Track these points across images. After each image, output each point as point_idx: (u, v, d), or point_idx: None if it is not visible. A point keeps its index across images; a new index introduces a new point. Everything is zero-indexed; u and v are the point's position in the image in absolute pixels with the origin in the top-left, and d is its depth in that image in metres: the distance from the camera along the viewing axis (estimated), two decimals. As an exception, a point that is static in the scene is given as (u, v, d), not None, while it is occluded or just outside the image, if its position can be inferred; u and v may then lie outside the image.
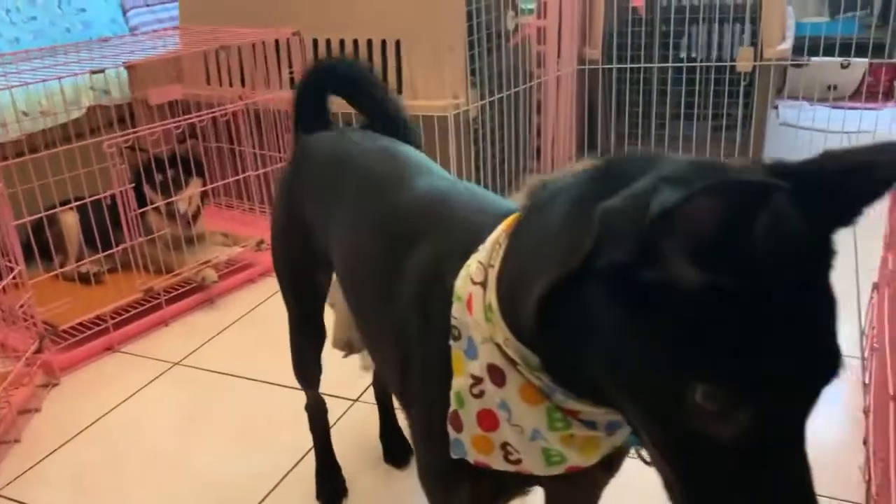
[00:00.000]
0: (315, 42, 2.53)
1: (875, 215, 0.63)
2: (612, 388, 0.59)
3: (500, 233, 0.72)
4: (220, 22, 2.61)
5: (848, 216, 0.57)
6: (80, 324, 1.97)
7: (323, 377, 1.36)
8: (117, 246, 2.08)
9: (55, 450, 1.63)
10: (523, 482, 0.80)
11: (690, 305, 0.51)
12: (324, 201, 1.09)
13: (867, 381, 1.66)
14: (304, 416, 1.44)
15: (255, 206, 2.64)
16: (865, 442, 1.47)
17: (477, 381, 0.70)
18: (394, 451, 1.52)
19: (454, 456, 0.75)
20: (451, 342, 0.73)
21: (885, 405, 1.23)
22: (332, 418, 1.47)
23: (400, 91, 2.47)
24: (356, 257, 1.01)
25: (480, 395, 0.70)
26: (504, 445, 0.72)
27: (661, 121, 3.24)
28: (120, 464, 1.60)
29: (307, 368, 1.35)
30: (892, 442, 1.09)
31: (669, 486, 0.59)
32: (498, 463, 0.73)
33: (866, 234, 1.17)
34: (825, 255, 0.55)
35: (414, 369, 0.84)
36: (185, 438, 1.66)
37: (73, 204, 2.15)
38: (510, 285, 0.67)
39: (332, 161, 1.12)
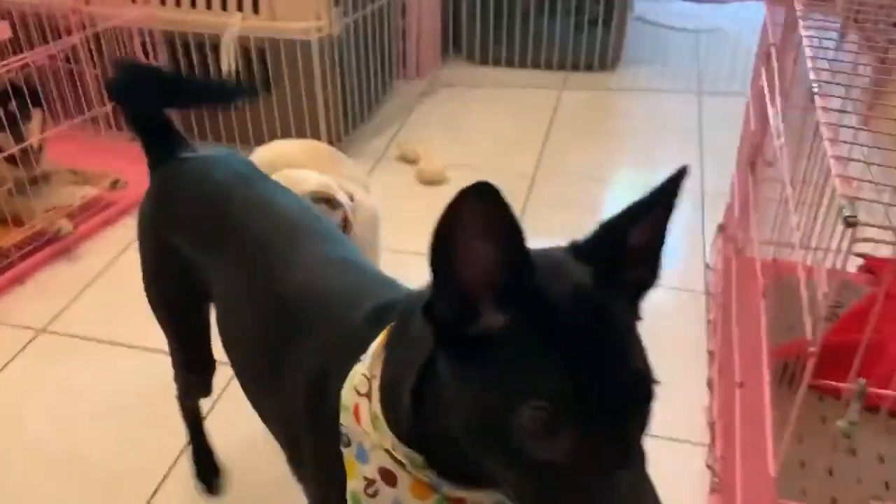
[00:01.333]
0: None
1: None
2: (473, 451, 0.65)
3: (378, 344, 0.76)
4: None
5: (617, 270, 0.65)
6: (-78, 293, 1.82)
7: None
8: None
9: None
10: None
11: (503, 345, 0.60)
12: (201, 243, 1.05)
13: (710, 318, 1.86)
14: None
15: (101, 131, 2.44)
16: (709, 384, 1.67)
17: (370, 482, 0.76)
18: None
19: None
20: (343, 448, 0.77)
21: (730, 381, 1.40)
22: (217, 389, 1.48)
23: (256, 11, 2.31)
24: (240, 326, 1.00)
25: (374, 494, 0.76)
26: None
27: (525, 18, 3.22)
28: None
29: (194, 398, 1.34)
30: (737, 425, 1.26)
31: None
32: None
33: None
34: (612, 301, 0.63)
35: (306, 457, 0.87)
36: (64, 423, 1.61)
37: None
38: (390, 390, 0.72)
39: (207, 206, 1.06)
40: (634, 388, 0.61)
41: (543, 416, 0.58)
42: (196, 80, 1.14)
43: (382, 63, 2.82)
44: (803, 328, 1.04)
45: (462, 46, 3.36)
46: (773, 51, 1.38)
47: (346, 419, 0.76)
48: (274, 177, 1.37)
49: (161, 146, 1.14)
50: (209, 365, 1.26)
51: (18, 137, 1.98)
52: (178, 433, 1.56)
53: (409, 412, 0.69)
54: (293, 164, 1.67)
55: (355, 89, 2.62)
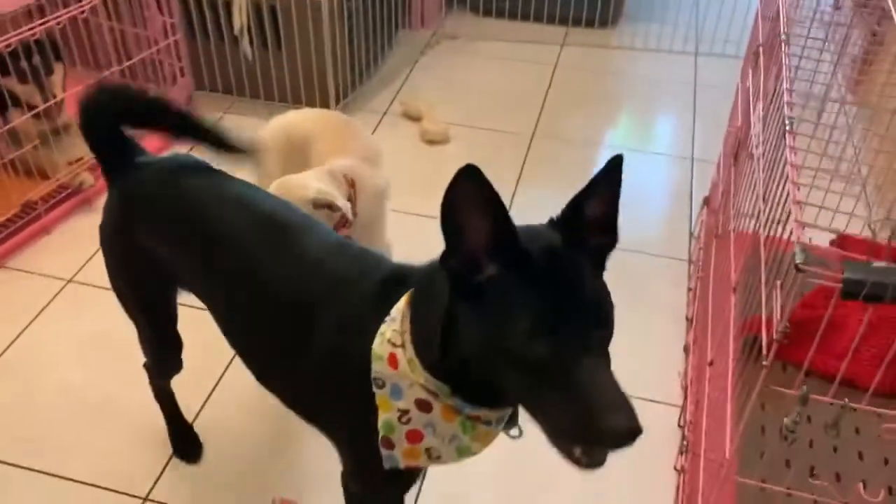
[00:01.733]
0: None
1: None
2: (485, 369, 0.88)
3: (403, 306, 0.97)
4: None
5: (581, 236, 0.88)
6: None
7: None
8: None
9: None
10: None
11: (498, 288, 0.84)
12: (175, 243, 1.18)
13: (691, 287, 2.01)
14: (214, 334, 1.29)
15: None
16: (686, 349, 1.83)
17: (404, 412, 0.97)
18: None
19: (387, 467, 1.01)
20: (376, 390, 0.98)
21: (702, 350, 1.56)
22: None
23: (269, -27, 2.35)
24: (244, 316, 1.15)
25: (408, 421, 0.97)
26: (427, 450, 1.00)
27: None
28: (30, 405, 1.68)
29: (168, 377, 1.48)
30: (706, 395, 1.42)
31: (537, 418, 0.87)
32: (423, 462, 1.02)
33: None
34: (575, 255, 0.87)
35: (336, 412, 1.08)
36: (95, 371, 1.76)
37: None
38: (420, 339, 0.94)
39: (178, 208, 1.17)
40: (591, 308, 0.84)
41: (526, 327, 0.82)
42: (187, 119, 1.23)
43: (388, 15, 2.88)
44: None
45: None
46: (760, 52, 1.48)
47: (380, 366, 0.96)
48: (274, 185, 1.46)
49: (117, 156, 1.21)
50: (179, 343, 1.39)
51: (43, 90, 2.07)
52: (208, 376, 1.71)
53: (437, 351, 0.91)
54: (307, 136, 1.76)
55: (362, 44, 2.69)
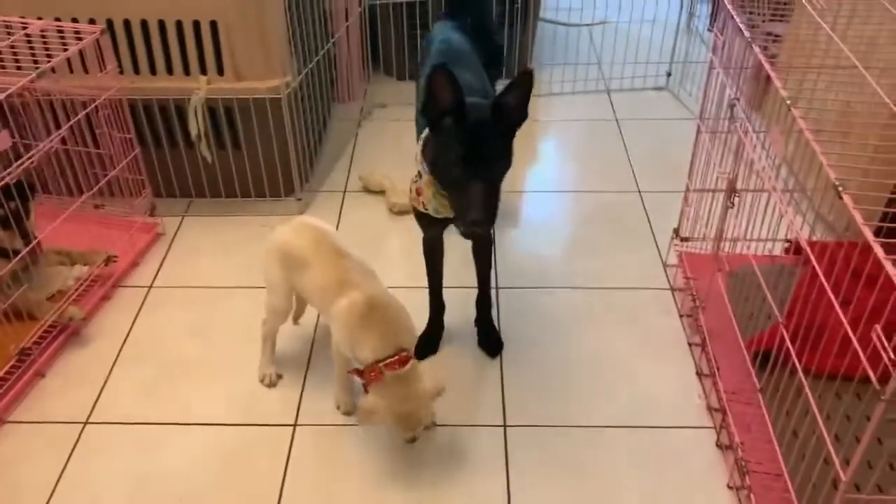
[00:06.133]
0: (110, 23, 2.28)
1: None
2: (438, 175, 1.66)
3: (421, 146, 1.73)
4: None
5: (504, 114, 1.58)
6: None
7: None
8: None
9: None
10: (447, 220, 1.81)
11: (448, 130, 1.57)
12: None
13: (683, 313, 2.19)
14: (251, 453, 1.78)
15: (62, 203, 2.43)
16: (698, 374, 2.01)
17: (417, 180, 1.78)
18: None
19: (414, 206, 1.84)
20: (416, 177, 1.79)
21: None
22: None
23: (221, 73, 2.37)
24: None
25: (419, 192, 1.78)
26: (424, 203, 1.77)
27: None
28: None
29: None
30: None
31: (452, 208, 1.66)
32: (429, 209, 1.78)
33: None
34: (495, 124, 1.57)
35: None
36: (150, 508, 1.72)
37: None
38: (426, 158, 1.70)
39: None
40: (487, 153, 1.54)
41: (451, 157, 1.55)
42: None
43: (325, 97, 2.94)
44: (761, 316, 1.46)
45: (381, 66, 3.50)
46: (737, 105, 1.68)
47: (418, 165, 1.76)
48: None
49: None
50: None
51: (26, 236, 1.99)
52: (265, 498, 1.71)
53: (427, 166, 1.70)
54: (303, 257, 1.78)
55: (310, 127, 2.74)
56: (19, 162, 1.89)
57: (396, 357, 1.65)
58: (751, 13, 1.95)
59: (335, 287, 1.73)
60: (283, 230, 1.85)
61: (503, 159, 1.60)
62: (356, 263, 1.79)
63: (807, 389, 1.37)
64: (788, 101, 1.39)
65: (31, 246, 2.01)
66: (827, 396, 1.55)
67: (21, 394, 1.96)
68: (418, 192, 1.79)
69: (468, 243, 1.98)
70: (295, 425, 1.89)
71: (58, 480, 1.76)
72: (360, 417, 1.71)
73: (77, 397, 1.97)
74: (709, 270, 2.10)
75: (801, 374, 1.41)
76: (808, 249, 1.36)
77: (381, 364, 1.64)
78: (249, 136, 2.48)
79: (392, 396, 1.65)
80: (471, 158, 1.52)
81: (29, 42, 2.18)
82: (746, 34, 1.65)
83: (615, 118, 3.25)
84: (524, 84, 1.54)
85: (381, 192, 2.71)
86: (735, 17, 1.73)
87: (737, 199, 1.81)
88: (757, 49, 1.57)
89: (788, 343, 1.45)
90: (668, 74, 3.47)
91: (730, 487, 1.72)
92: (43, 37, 2.17)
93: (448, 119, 1.54)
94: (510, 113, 1.56)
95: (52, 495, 1.73)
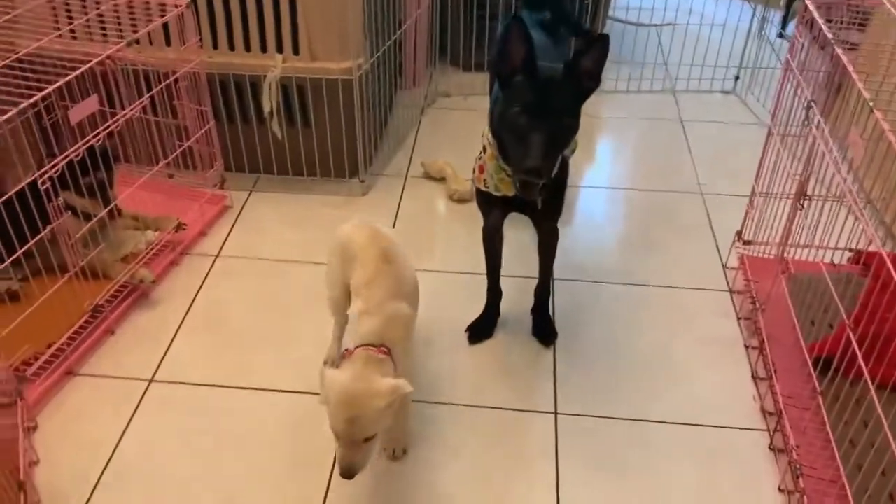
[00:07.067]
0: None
1: None
2: (503, 132, 1.67)
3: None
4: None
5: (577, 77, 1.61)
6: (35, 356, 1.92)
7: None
8: (29, 254, 1.93)
9: None
10: (507, 205, 1.88)
11: (517, 86, 1.60)
12: None
13: (741, 316, 2.18)
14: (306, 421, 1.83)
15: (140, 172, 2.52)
16: (754, 377, 2.00)
17: (481, 155, 1.82)
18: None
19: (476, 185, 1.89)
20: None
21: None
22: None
23: (296, 52, 2.43)
24: None
25: (481, 164, 1.83)
26: (485, 180, 1.82)
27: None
28: (159, 505, 1.71)
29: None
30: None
31: (508, 159, 1.70)
32: (490, 186, 1.82)
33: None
34: (565, 85, 1.59)
35: None
36: (209, 464, 1.77)
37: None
38: (492, 117, 1.75)
39: None
40: (551, 109, 1.56)
41: (519, 106, 1.57)
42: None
43: (392, 83, 2.98)
44: (823, 323, 1.51)
45: (448, 56, 3.53)
46: (813, 107, 1.67)
47: (483, 140, 1.83)
48: (338, 399, 1.44)
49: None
50: None
51: (107, 202, 2.07)
52: (319, 466, 1.76)
53: (493, 125, 1.74)
54: (355, 253, 1.74)
55: (376, 111, 2.78)
56: (104, 126, 1.97)
57: (377, 347, 1.54)
58: (828, 20, 1.93)
59: (361, 289, 1.67)
60: (347, 226, 1.83)
61: (570, 117, 1.60)
62: (395, 275, 1.68)
63: (873, 396, 1.36)
64: (871, 103, 1.37)
65: (108, 209, 2.09)
66: (889, 408, 1.54)
67: (92, 349, 2.05)
68: (481, 170, 1.82)
69: (529, 236, 1.99)
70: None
71: (122, 433, 1.84)
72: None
73: (143, 356, 2.05)
74: (770, 274, 2.09)
75: (868, 380, 1.40)
76: (887, 259, 1.34)
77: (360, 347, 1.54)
78: (319, 116, 2.53)
79: (350, 371, 1.49)
80: (537, 108, 1.54)
81: (116, 14, 2.28)
82: (829, 35, 1.63)
83: (679, 119, 3.23)
84: (600, 48, 1.54)
85: (442, 179, 2.74)
86: (818, 18, 1.71)
87: (806, 203, 1.79)
88: (839, 50, 1.55)
89: (856, 347, 1.43)
90: (736, 78, 3.44)
91: (781, 490, 1.71)
92: (130, 9, 2.26)
93: (519, 76, 1.57)
94: (583, 76, 1.58)
95: (116, 447, 1.81)
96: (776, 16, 3.75)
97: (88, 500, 1.69)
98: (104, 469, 1.75)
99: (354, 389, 1.43)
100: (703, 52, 3.41)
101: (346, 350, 1.57)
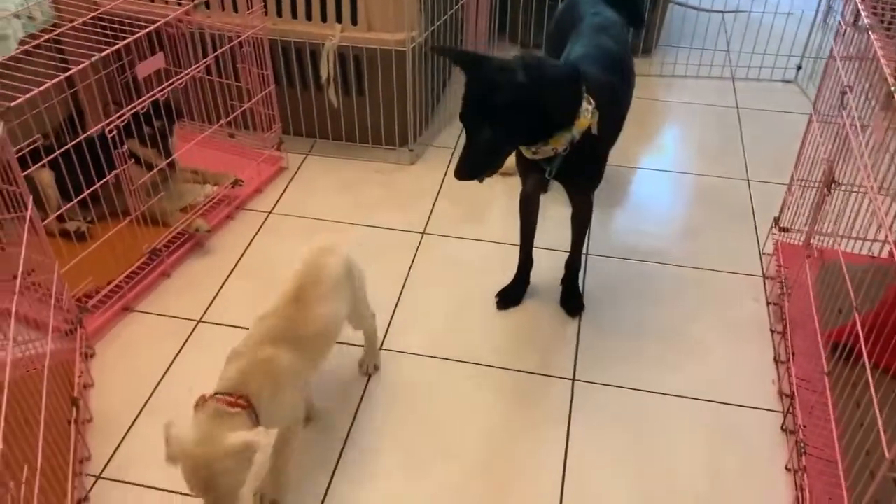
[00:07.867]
0: (259, -33, 2.48)
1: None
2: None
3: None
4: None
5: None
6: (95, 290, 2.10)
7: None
8: (96, 198, 2.12)
9: (129, 427, 1.86)
10: (541, 173, 1.85)
11: (510, 107, 1.68)
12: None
13: (771, 301, 2.19)
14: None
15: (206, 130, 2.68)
16: (776, 360, 2.02)
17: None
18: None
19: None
20: None
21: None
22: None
23: (354, 23, 2.53)
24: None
25: None
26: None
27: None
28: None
29: None
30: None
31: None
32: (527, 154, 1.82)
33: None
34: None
35: None
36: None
37: (45, 160, 2.14)
38: None
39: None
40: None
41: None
42: None
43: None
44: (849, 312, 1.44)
45: (507, 33, 3.58)
46: (848, 93, 1.68)
47: None
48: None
49: None
50: None
51: (167, 153, 2.23)
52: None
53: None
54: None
55: (429, 84, 2.87)
56: (169, 81, 2.12)
57: (233, 397, 1.41)
58: (874, 11, 1.92)
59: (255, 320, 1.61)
60: (307, 246, 1.75)
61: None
62: (294, 318, 1.57)
63: (868, 376, 1.38)
64: (894, 88, 1.39)
65: (169, 160, 2.25)
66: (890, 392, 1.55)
67: (148, 289, 2.22)
68: None
69: (565, 209, 2.05)
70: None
71: (169, 366, 2.00)
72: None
73: (194, 299, 2.20)
74: (801, 260, 2.10)
75: (866, 362, 1.42)
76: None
77: (215, 396, 1.43)
78: (373, 85, 2.64)
79: (194, 430, 1.38)
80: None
81: (187, -22, 2.43)
82: (867, 21, 1.64)
83: (736, 106, 3.21)
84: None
85: (490, 153, 2.81)
86: (859, 4, 1.71)
87: (834, 187, 1.80)
88: (874, 36, 1.56)
89: (859, 329, 1.46)
90: (799, 68, 3.38)
91: (788, 469, 1.74)
92: (200, -26, 2.41)
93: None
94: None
95: (162, 378, 1.97)
96: (842, 5, 3.65)
97: (133, 423, 1.86)
98: (149, 397, 1.92)
99: (197, 454, 1.33)
100: (765, 40, 3.37)
101: (202, 396, 1.43)
